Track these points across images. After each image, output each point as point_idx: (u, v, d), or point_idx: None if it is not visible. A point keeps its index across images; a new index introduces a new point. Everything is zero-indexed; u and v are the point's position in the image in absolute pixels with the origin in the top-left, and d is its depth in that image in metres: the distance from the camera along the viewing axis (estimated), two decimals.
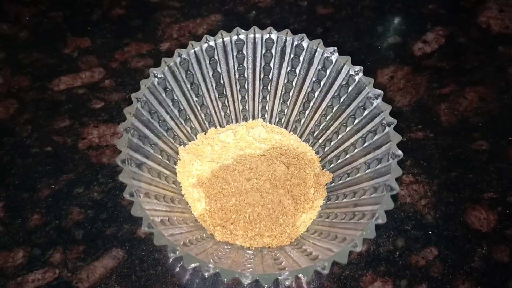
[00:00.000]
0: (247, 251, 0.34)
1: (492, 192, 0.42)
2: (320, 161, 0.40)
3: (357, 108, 0.36)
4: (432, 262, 0.38)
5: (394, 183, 0.30)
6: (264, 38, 0.38)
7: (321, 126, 0.40)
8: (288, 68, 0.39)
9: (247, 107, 0.43)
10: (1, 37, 0.52)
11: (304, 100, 0.40)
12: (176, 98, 0.38)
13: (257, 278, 0.27)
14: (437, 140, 0.45)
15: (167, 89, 0.37)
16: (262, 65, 0.39)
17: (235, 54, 0.38)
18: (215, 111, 0.42)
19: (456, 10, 0.56)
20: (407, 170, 0.43)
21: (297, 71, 0.39)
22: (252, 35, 0.37)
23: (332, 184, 0.38)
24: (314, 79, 0.38)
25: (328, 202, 0.38)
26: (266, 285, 0.27)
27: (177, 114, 0.39)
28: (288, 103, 0.41)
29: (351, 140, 0.37)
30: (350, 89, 0.36)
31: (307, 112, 0.41)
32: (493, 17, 0.55)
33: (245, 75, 0.40)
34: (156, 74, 0.35)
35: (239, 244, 0.35)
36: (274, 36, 0.37)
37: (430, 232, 0.39)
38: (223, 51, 0.38)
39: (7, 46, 0.51)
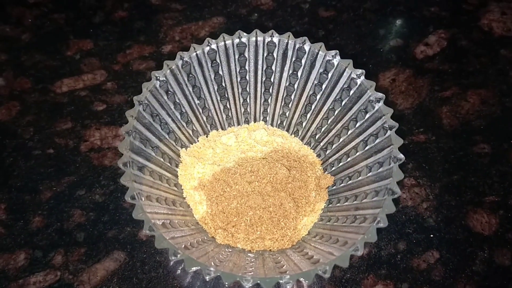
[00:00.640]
0: (248, 254, 0.34)
1: (494, 195, 0.42)
2: (321, 164, 0.40)
3: (359, 111, 0.36)
4: (433, 266, 0.38)
5: (396, 187, 0.30)
6: (266, 41, 0.38)
7: (322, 129, 0.40)
8: (290, 71, 0.39)
9: (248, 109, 0.43)
10: (3, 39, 0.52)
11: (305, 103, 0.40)
12: (178, 100, 0.38)
13: (258, 281, 0.27)
14: (439, 143, 0.45)
15: (169, 92, 0.37)
16: (264, 68, 0.40)
17: (237, 57, 0.38)
18: (216, 114, 0.42)
19: (458, 13, 0.56)
20: (408, 173, 0.43)
21: (299, 74, 0.39)
22: (254, 38, 0.38)
23: (334, 187, 0.38)
24: (315, 82, 0.38)
25: (330, 205, 0.38)
26: None
27: (179, 116, 0.39)
28: (289, 106, 0.41)
29: (353, 143, 0.37)
30: (351, 92, 0.36)
31: (308, 115, 0.41)
32: (495, 20, 0.55)
33: (247, 78, 0.40)
34: (158, 77, 0.35)
35: (240, 247, 0.35)
36: (276, 39, 0.37)
37: (431, 235, 0.39)
38: (225, 54, 0.38)
39: (10, 48, 0.52)
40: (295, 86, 0.40)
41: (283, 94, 0.41)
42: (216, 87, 0.40)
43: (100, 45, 0.52)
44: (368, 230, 0.29)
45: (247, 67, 0.39)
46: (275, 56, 0.38)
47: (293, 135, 0.43)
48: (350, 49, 0.52)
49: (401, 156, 0.31)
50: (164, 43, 0.52)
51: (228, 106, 0.42)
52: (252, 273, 0.29)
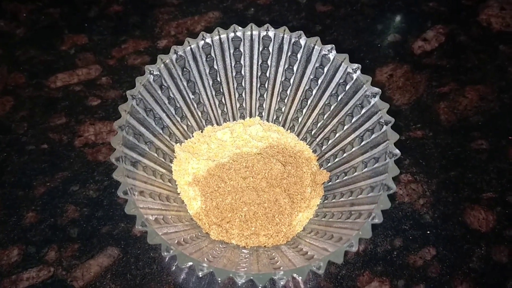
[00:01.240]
0: (243, 250, 0.34)
1: (492, 192, 0.41)
2: (317, 160, 0.40)
3: (355, 106, 0.36)
4: (430, 262, 0.37)
5: (391, 182, 0.30)
6: (261, 35, 0.37)
7: (318, 125, 0.40)
8: (286, 66, 0.39)
9: (244, 105, 0.42)
10: None
11: (301, 98, 0.40)
12: (172, 95, 0.37)
13: (252, 277, 0.27)
14: (436, 139, 0.45)
15: (163, 87, 0.36)
16: (259, 63, 0.39)
17: (232, 51, 0.38)
18: (211, 109, 0.41)
19: (456, 8, 0.56)
20: (405, 169, 0.42)
21: (295, 68, 0.38)
22: (249, 32, 0.37)
23: (329, 183, 0.38)
24: (311, 77, 0.38)
25: (325, 201, 0.37)
26: (260, 285, 0.27)
27: (173, 111, 0.38)
28: (285, 101, 0.41)
29: (349, 139, 0.37)
30: (347, 87, 0.36)
31: (304, 110, 0.40)
32: (494, 15, 0.55)
33: (242, 72, 0.40)
34: (152, 71, 0.35)
35: (235, 243, 0.35)
36: (271, 33, 0.37)
37: (428, 232, 0.39)
38: (219, 48, 0.38)
39: (4, 43, 0.51)
40: (291, 81, 0.39)
41: (279, 89, 0.41)
42: (211, 82, 0.40)
43: (95, 40, 0.52)
44: (363, 226, 0.28)
45: (242, 62, 0.39)
46: (270, 50, 0.38)
47: (288, 131, 0.42)
48: (347, 44, 0.52)
49: (397, 151, 0.31)
50: (159, 37, 0.52)
51: (223, 101, 0.41)
52: (245, 269, 0.29)
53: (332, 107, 0.38)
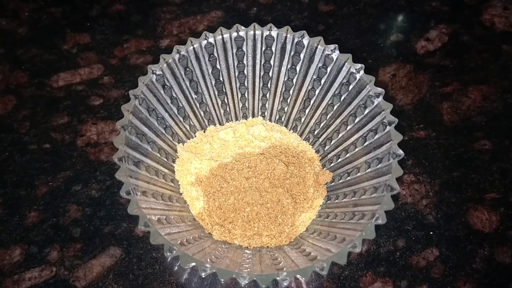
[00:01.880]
0: (246, 251, 0.34)
1: (495, 192, 0.41)
2: (320, 160, 0.40)
3: (358, 106, 0.35)
4: (433, 263, 0.37)
5: (395, 183, 0.30)
6: (264, 35, 0.37)
7: (321, 125, 0.39)
8: (288, 66, 0.39)
9: (246, 105, 0.42)
10: None
11: (304, 98, 0.40)
12: (174, 95, 0.37)
13: (255, 278, 0.27)
14: (439, 139, 0.44)
15: (166, 86, 0.36)
16: (262, 63, 0.39)
17: (234, 51, 0.38)
18: (214, 109, 0.41)
19: (459, 8, 0.55)
20: (408, 170, 0.42)
21: (298, 68, 0.38)
22: (252, 32, 0.37)
23: (332, 184, 0.38)
24: (314, 77, 0.38)
25: (328, 202, 0.37)
26: (263, 286, 0.27)
27: (176, 111, 0.38)
28: (288, 101, 0.41)
29: (352, 139, 0.36)
30: (351, 87, 0.36)
31: (307, 110, 0.40)
32: (497, 15, 0.54)
33: (245, 72, 0.40)
34: (154, 71, 0.35)
35: (237, 243, 0.35)
36: (274, 33, 0.37)
37: (431, 233, 0.39)
38: (222, 48, 0.37)
39: (6, 42, 0.51)
40: (294, 81, 0.39)
41: (282, 89, 0.40)
42: (213, 82, 0.39)
43: (97, 39, 0.51)
44: (367, 227, 0.28)
45: (245, 61, 0.39)
46: (273, 50, 0.38)
47: (291, 131, 0.42)
48: (350, 44, 0.52)
49: (401, 152, 0.31)
50: (162, 37, 0.52)
51: (226, 101, 0.41)
52: (248, 269, 0.29)
53: (335, 107, 0.38)
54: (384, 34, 0.53)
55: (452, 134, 0.45)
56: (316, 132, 0.40)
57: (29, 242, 0.38)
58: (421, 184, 0.42)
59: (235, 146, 0.40)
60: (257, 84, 0.41)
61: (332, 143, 0.39)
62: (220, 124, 0.43)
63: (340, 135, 0.38)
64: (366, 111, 0.35)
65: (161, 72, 0.35)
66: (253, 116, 0.43)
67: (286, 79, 0.40)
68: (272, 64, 0.39)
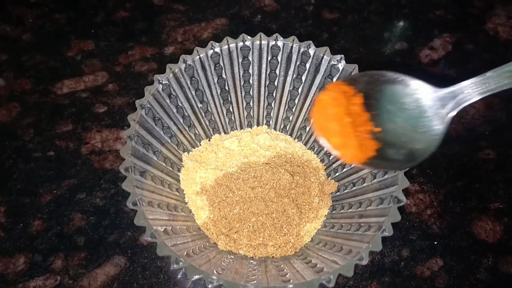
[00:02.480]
0: (251, 261, 0.34)
1: (499, 202, 0.41)
2: (325, 170, 0.40)
3: None
4: (437, 273, 0.37)
5: (401, 195, 0.30)
6: (270, 45, 0.37)
7: None
8: (294, 75, 0.39)
9: (252, 113, 0.42)
10: (4, 39, 0.52)
11: (309, 107, 0.40)
12: (180, 104, 0.37)
13: None
14: (444, 148, 0.44)
15: (172, 96, 0.36)
16: (268, 72, 0.39)
17: (240, 60, 0.38)
18: (219, 118, 0.41)
19: (463, 17, 0.56)
20: (413, 179, 0.42)
21: (303, 78, 0.38)
22: (258, 42, 0.37)
23: (338, 193, 0.38)
24: (320, 86, 0.38)
25: (333, 212, 0.37)
26: None
27: (181, 120, 0.38)
28: (293, 110, 0.41)
29: None
30: None
31: None
32: (501, 24, 0.55)
33: (250, 81, 0.40)
34: (161, 81, 0.35)
35: (243, 253, 0.35)
36: (280, 42, 0.37)
37: (435, 243, 0.39)
38: (228, 58, 0.37)
39: (10, 49, 0.51)
40: (299, 90, 0.39)
41: (287, 98, 0.40)
42: (219, 91, 0.39)
43: (101, 46, 0.51)
44: (373, 239, 0.28)
45: (250, 71, 0.39)
46: (279, 60, 0.38)
47: (296, 140, 0.42)
48: (354, 52, 0.52)
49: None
50: (166, 44, 0.52)
51: (231, 110, 0.41)
52: (255, 281, 0.29)
53: None
54: (388, 43, 0.53)
55: (456, 144, 0.45)
56: None
57: (34, 250, 0.38)
58: (425, 193, 0.42)
59: (240, 155, 0.40)
60: (262, 93, 0.41)
61: None
62: (225, 132, 0.43)
63: None
64: None
65: (167, 82, 0.35)
66: (258, 125, 0.43)
67: (291, 88, 0.40)
68: (277, 73, 0.39)
